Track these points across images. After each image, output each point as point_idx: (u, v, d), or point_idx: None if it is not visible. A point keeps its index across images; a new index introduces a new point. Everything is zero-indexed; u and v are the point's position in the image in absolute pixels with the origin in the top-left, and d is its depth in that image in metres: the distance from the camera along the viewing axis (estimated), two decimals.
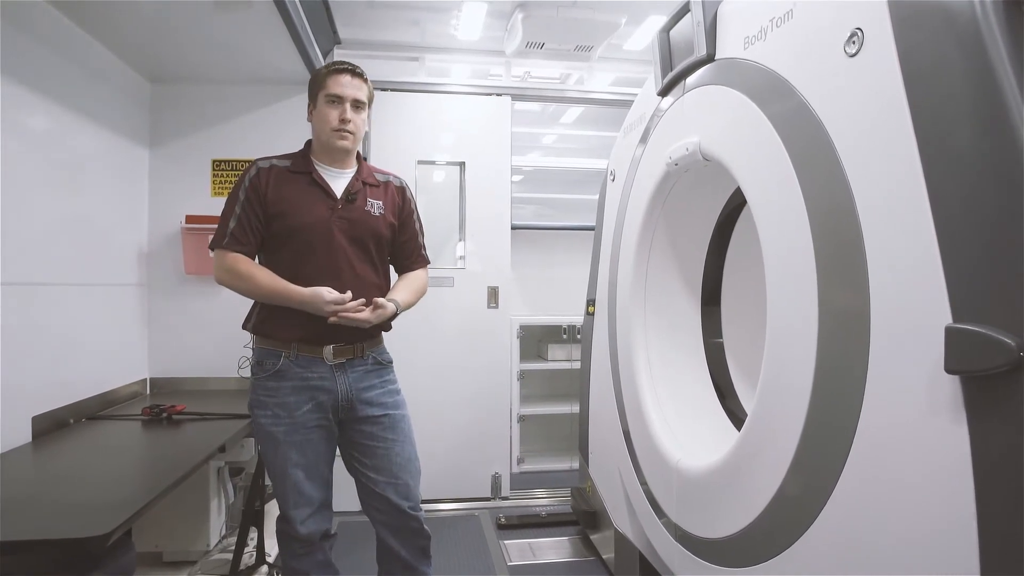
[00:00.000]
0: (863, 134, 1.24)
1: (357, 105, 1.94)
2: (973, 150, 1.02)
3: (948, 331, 1.01)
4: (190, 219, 3.09)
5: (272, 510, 3.07)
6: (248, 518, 2.51)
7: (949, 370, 1.01)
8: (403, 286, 2.07)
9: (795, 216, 1.40)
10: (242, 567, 2.49)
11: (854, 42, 1.24)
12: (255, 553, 2.59)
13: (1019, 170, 0.96)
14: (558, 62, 3.65)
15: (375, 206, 1.98)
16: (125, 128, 2.94)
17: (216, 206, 3.14)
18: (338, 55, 3.50)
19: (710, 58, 1.81)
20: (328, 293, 1.82)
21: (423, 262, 2.16)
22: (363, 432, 1.96)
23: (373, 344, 2.00)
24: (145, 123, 3.12)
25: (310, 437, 1.90)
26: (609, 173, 2.71)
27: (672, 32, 2.03)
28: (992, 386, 0.96)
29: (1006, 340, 0.93)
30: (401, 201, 2.07)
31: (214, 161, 3.22)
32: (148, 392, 3.13)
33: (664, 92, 2.12)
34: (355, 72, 1.95)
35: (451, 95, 3.61)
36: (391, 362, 2.06)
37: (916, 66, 1.12)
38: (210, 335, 3.21)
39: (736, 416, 2.09)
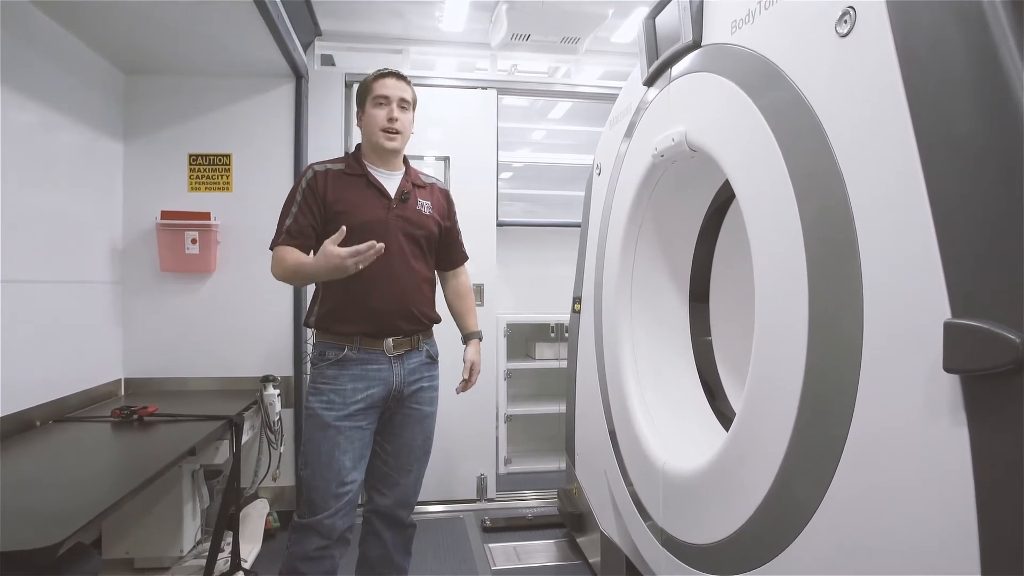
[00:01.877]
0: (856, 120, 1.17)
1: (403, 105, 2.06)
2: (974, 135, 0.95)
3: (947, 327, 0.94)
4: (165, 215, 3.00)
5: (250, 514, 3.01)
6: (223, 522, 2.43)
7: (948, 369, 0.94)
8: (468, 310, 2.31)
9: (784, 207, 1.33)
10: (216, 574, 2.41)
11: (846, 21, 1.17)
12: (230, 559, 2.51)
13: (1022, 157, 0.89)
14: (545, 55, 3.58)
15: (425, 206, 2.11)
16: (99, 121, 2.85)
17: (192, 202, 3.10)
18: (319, 47, 3.42)
19: (696, 44, 1.75)
20: (334, 249, 1.76)
21: (464, 258, 2.34)
22: (395, 420, 2.08)
23: (427, 336, 2.14)
24: (119, 116, 3.03)
25: (360, 425, 1.99)
26: (595, 167, 2.64)
27: (658, 19, 1.96)
28: (995, 386, 0.89)
29: (1010, 336, 0.86)
30: (447, 204, 2.22)
31: (191, 155, 3.13)
32: (123, 393, 3.04)
33: (650, 82, 2.06)
34: (399, 75, 2.08)
35: (435, 88, 3.53)
36: (438, 355, 2.20)
37: (912, 46, 1.05)
38: (187, 334, 3.13)
39: (726, 416, 2.02)
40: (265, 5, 2.40)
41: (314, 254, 1.94)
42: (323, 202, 1.99)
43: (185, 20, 2.51)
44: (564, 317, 3.73)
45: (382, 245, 1.77)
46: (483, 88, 3.57)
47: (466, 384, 2.24)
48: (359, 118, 2.10)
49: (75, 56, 2.65)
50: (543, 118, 4.51)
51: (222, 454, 2.63)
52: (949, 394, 0.95)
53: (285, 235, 1.98)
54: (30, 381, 2.32)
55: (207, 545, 2.53)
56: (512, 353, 3.81)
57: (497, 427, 3.66)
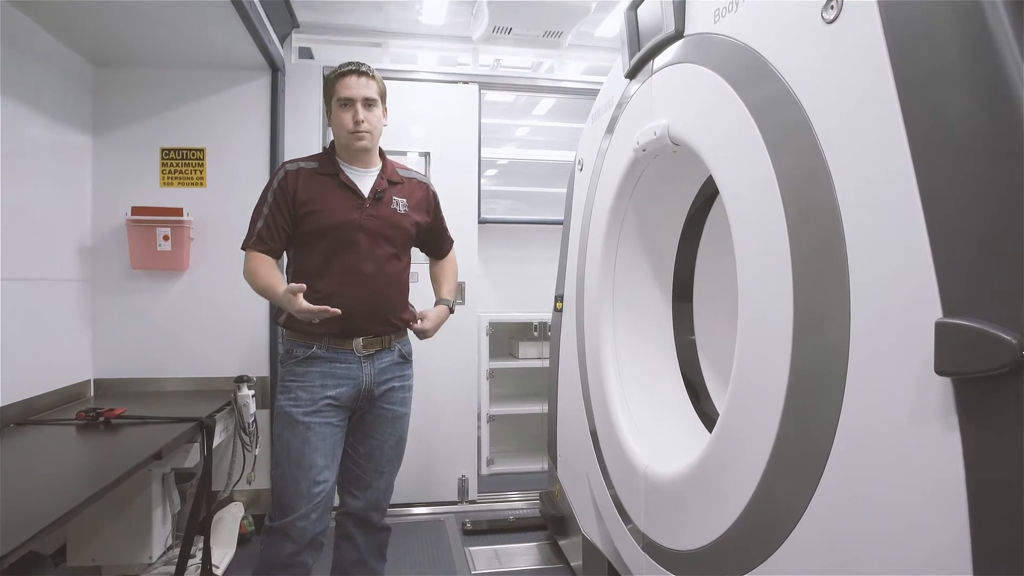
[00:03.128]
0: (843, 111, 1.12)
1: (368, 103, 1.98)
2: (968, 126, 0.90)
3: (939, 327, 0.89)
4: (136, 211, 2.91)
5: (224, 518, 2.93)
6: (193, 527, 2.35)
7: (940, 371, 0.89)
8: (443, 277, 2.26)
9: (768, 203, 1.28)
10: None
11: (832, 7, 1.12)
12: (200, 565, 2.43)
13: (1020, 148, 0.84)
14: (528, 49, 3.52)
15: (400, 204, 2.05)
16: (66, 114, 2.76)
17: (165, 197, 3.01)
18: (296, 40, 3.34)
19: (679, 35, 1.69)
20: (295, 301, 1.77)
21: (451, 243, 2.32)
22: (366, 421, 2.04)
23: (400, 336, 2.09)
24: (88, 108, 2.93)
25: (331, 421, 1.95)
26: (577, 162, 2.59)
27: (640, 9, 1.91)
28: (989, 389, 0.84)
29: (1005, 337, 0.81)
30: (428, 198, 2.17)
31: (163, 149, 3.03)
32: (92, 394, 2.95)
33: (632, 74, 2.00)
34: (360, 71, 1.97)
35: (416, 83, 3.47)
36: (411, 354, 2.15)
37: (902, 32, 1.00)
38: (160, 333, 3.04)
39: (710, 418, 1.97)
40: None
41: (290, 257, 2.03)
42: (293, 202, 1.96)
43: (154, 9, 2.42)
44: (548, 316, 3.66)
45: (338, 311, 1.79)
46: (465, 83, 3.50)
47: (422, 331, 2.11)
48: (328, 117, 2.05)
49: (41, 47, 2.55)
50: (527, 114, 4.45)
51: (193, 457, 2.55)
52: (940, 397, 0.90)
53: (256, 239, 1.97)
54: None
55: (179, 551, 2.46)
56: (495, 352, 3.75)
57: (479, 427, 3.60)
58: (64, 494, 1.63)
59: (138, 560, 2.41)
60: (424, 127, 3.49)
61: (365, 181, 2.02)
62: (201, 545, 2.46)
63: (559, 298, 2.75)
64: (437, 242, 2.27)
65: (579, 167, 2.55)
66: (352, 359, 1.97)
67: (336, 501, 2.07)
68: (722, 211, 1.48)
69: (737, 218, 1.41)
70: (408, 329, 2.12)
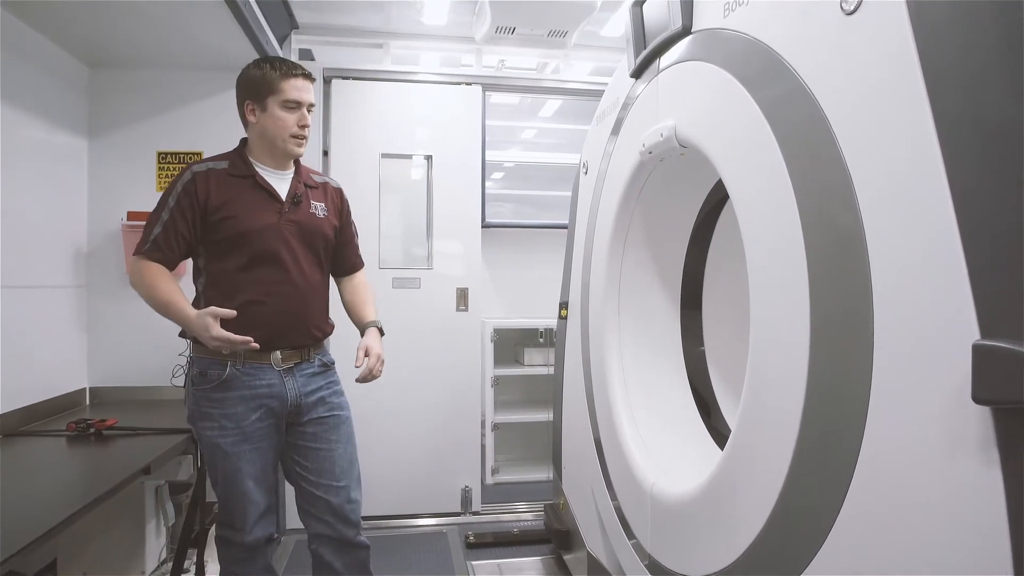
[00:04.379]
0: (865, 108, 1.03)
1: (310, 109, 1.93)
2: (1008, 125, 0.81)
3: (976, 350, 0.80)
4: (132, 216, 2.84)
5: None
6: (186, 540, 2.29)
7: (977, 399, 0.79)
8: (365, 301, 2.10)
9: (782, 208, 1.20)
10: None
11: None
12: None
13: None
14: (532, 50, 3.45)
15: (318, 208, 1.97)
16: (61, 116, 2.70)
17: None
18: (296, 41, 3.28)
19: (686, 31, 1.61)
20: (214, 326, 1.70)
21: (361, 263, 2.19)
22: (307, 434, 1.93)
23: (319, 347, 1.99)
24: (83, 111, 2.87)
25: (260, 446, 1.87)
26: (582, 166, 2.51)
27: (646, 5, 1.83)
28: None
29: None
30: (341, 204, 2.08)
31: (159, 153, 2.98)
32: (88, 403, 2.88)
33: (637, 74, 1.92)
34: (307, 75, 1.92)
35: (418, 84, 3.40)
36: (334, 363, 2.04)
37: (930, 18, 0.91)
38: (156, 341, 2.95)
39: (721, 435, 1.88)
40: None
41: (203, 267, 1.88)
42: (203, 209, 1.82)
43: (148, 10, 2.36)
44: (554, 322, 3.59)
45: (256, 346, 1.72)
46: (468, 84, 3.43)
47: (368, 373, 1.92)
48: (250, 112, 1.89)
49: (35, 48, 2.49)
50: (533, 116, 4.37)
51: (186, 469, 2.49)
52: (978, 427, 0.81)
53: (151, 245, 1.82)
54: None
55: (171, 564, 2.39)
56: (500, 359, 3.67)
57: (483, 436, 3.52)
58: (49, 510, 1.57)
59: (131, 573, 2.36)
60: (426, 130, 3.42)
61: (281, 184, 1.92)
62: (196, 559, 2.40)
63: (563, 305, 2.66)
64: (345, 252, 2.10)
65: (584, 170, 2.47)
66: (271, 374, 1.85)
67: (304, 526, 2.01)
68: (732, 216, 1.39)
69: (748, 223, 1.33)
70: (326, 341, 2.01)
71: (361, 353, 1.92)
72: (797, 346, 1.16)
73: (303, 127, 1.88)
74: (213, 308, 1.70)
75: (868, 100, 1.02)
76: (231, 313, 1.71)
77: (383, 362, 1.94)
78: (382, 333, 2.02)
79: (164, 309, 1.80)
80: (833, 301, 1.09)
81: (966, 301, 0.83)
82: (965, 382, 0.81)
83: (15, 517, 1.53)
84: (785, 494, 1.18)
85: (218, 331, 1.69)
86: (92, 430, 2.25)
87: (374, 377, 1.93)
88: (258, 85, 1.87)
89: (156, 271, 1.82)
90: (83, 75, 2.87)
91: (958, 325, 0.84)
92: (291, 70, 1.88)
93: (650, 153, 1.75)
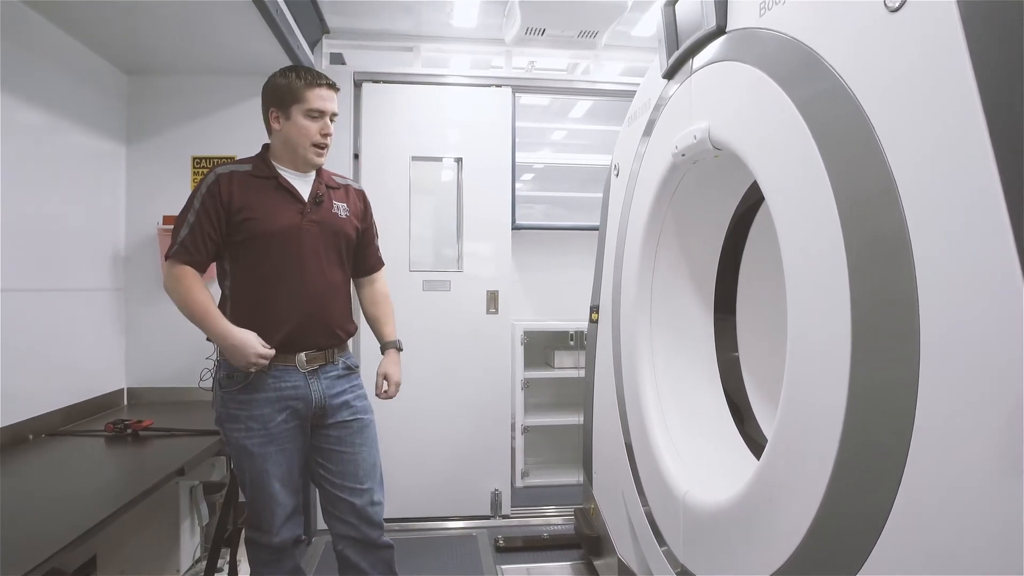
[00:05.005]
0: (910, 108, 0.99)
1: (333, 119, 1.95)
2: None
3: None
4: (167, 220, 2.89)
5: None
6: (219, 540, 2.32)
7: None
8: (385, 317, 2.17)
9: (820, 212, 1.16)
10: None
11: None
12: None
13: None
14: (562, 51, 3.42)
15: (341, 208, 2.00)
16: (100, 123, 2.76)
17: None
18: (327, 45, 3.30)
19: (720, 31, 1.58)
20: (258, 345, 1.80)
21: (381, 264, 2.21)
22: (331, 437, 1.96)
23: (343, 349, 2.02)
24: (122, 117, 2.93)
25: (286, 447, 1.90)
26: (613, 167, 2.48)
27: (678, 5, 1.79)
28: None
29: None
30: (363, 205, 2.10)
31: (194, 158, 3.02)
32: (125, 403, 2.95)
33: (670, 74, 1.89)
34: (332, 85, 1.94)
35: (448, 87, 3.40)
36: (358, 367, 2.07)
37: (982, 12, 0.87)
38: (192, 343, 2.98)
39: (756, 443, 1.84)
40: (263, 2, 2.29)
41: (223, 264, 1.91)
42: (227, 210, 1.84)
43: (181, 18, 2.41)
44: (585, 324, 3.57)
45: (266, 363, 1.81)
46: (498, 86, 3.42)
47: (385, 395, 2.09)
48: (274, 119, 1.92)
49: (74, 57, 2.56)
50: (563, 117, 4.35)
51: (220, 470, 2.52)
52: None
53: (179, 248, 1.83)
54: (27, 392, 2.23)
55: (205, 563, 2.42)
56: (530, 361, 3.66)
57: (513, 439, 3.51)
58: (88, 510, 1.61)
59: (166, 572, 2.39)
60: (456, 132, 3.42)
61: (303, 185, 1.94)
62: (229, 558, 2.43)
63: (594, 309, 2.64)
64: (366, 253, 2.13)
65: (615, 172, 2.44)
66: (297, 376, 1.88)
67: (329, 528, 2.03)
68: (768, 218, 1.36)
69: (785, 226, 1.29)
70: (349, 342, 2.05)
71: (380, 379, 2.08)
72: (838, 353, 1.12)
73: (325, 136, 1.91)
74: (263, 351, 1.80)
75: (913, 98, 0.99)
76: (270, 353, 1.81)
77: (399, 386, 2.10)
78: (400, 350, 2.14)
79: (200, 321, 1.83)
80: (876, 306, 1.06)
81: (1021, 308, 0.79)
82: (1019, 393, 0.77)
83: (57, 516, 1.58)
84: (826, 505, 1.14)
85: (259, 351, 1.79)
86: (129, 431, 2.30)
87: (389, 398, 2.10)
88: (283, 93, 1.90)
89: (190, 280, 1.84)
90: (121, 82, 2.93)
91: (1011, 334, 0.80)
92: (316, 79, 1.90)
93: (683, 156, 1.72)
